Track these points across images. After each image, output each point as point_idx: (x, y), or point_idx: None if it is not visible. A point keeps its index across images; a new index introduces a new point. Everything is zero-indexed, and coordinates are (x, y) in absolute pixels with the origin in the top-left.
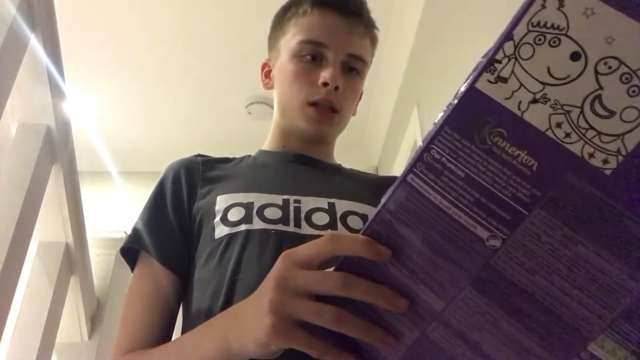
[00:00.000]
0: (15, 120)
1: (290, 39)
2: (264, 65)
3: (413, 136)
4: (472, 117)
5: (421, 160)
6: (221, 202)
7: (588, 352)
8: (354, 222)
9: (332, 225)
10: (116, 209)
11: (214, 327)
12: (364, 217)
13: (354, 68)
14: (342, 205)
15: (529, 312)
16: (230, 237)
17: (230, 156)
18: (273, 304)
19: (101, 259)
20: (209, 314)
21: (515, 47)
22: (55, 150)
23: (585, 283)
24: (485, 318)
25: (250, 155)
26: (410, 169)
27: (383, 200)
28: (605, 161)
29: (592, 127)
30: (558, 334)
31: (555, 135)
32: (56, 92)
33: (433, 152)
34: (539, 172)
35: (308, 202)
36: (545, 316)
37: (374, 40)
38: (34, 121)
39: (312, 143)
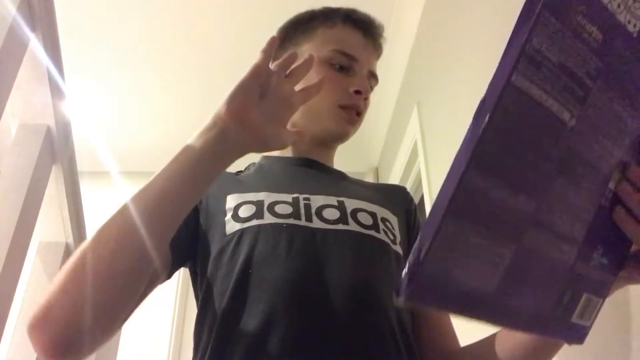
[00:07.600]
0: (16, 120)
1: (320, 46)
2: None
3: (413, 136)
4: None
5: (523, 54)
6: (231, 200)
7: (609, 189)
8: (364, 218)
9: (343, 219)
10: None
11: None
12: (372, 215)
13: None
14: (351, 203)
15: (582, 174)
16: (241, 232)
17: (233, 171)
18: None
19: None
20: (224, 310)
21: None
22: (55, 150)
23: (614, 133)
24: (567, 202)
25: (254, 163)
26: (514, 67)
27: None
28: (635, 25)
29: None
30: (594, 182)
31: (612, 6)
32: (56, 92)
33: (534, 41)
34: (602, 45)
35: (317, 200)
36: (589, 170)
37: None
38: (34, 121)
39: (320, 148)
